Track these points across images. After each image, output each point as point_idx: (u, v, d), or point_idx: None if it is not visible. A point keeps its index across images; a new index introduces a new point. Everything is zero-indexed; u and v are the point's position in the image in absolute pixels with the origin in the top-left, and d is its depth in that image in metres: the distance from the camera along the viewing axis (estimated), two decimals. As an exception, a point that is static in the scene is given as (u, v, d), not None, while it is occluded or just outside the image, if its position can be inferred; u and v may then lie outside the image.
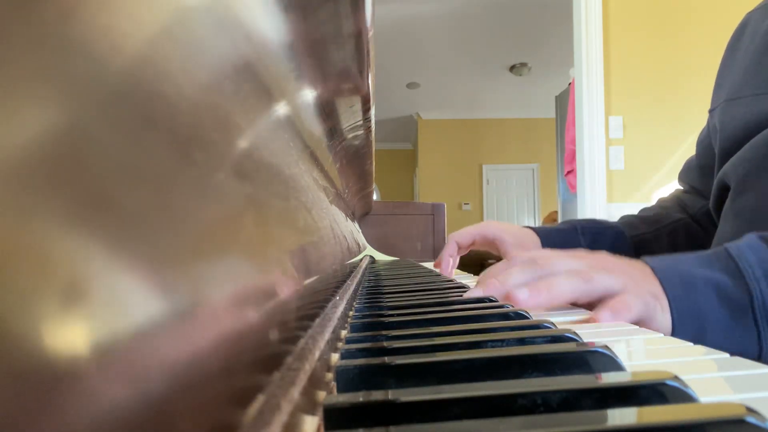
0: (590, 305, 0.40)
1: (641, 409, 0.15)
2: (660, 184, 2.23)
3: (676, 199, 0.82)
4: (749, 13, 0.68)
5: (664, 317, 0.38)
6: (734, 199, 0.58)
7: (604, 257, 0.43)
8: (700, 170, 0.77)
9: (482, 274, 0.48)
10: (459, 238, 0.79)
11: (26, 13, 0.08)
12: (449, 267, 0.78)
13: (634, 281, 0.40)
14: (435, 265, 0.80)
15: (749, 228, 0.56)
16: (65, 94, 0.08)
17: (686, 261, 0.41)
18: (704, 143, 0.75)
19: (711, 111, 0.69)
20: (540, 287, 0.39)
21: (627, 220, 0.80)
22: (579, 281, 0.39)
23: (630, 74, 2.30)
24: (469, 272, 0.89)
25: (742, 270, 0.39)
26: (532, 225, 0.81)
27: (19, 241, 0.06)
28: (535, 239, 0.76)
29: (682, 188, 0.85)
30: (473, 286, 0.45)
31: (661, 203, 0.84)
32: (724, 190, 0.62)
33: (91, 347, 0.07)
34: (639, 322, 0.36)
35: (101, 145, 0.09)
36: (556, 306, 0.40)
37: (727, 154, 0.61)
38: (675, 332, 0.38)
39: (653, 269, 0.41)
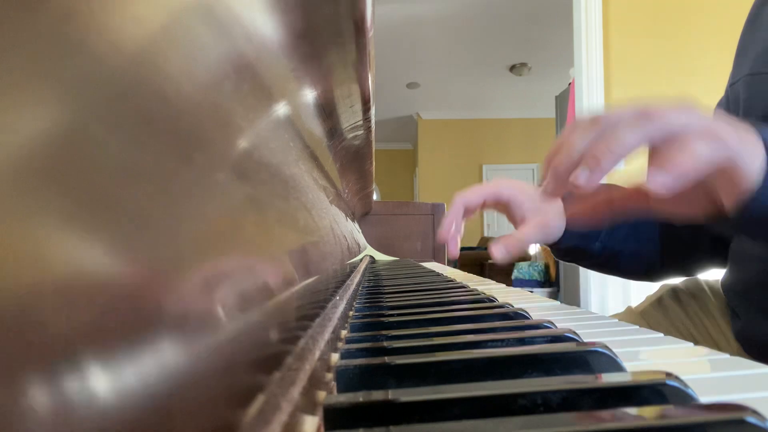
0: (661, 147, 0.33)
1: (641, 409, 0.15)
2: (660, 184, 2.22)
3: None
4: None
5: (759, 161, 0.32)
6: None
7: (692, 108, 0.34)
8: None
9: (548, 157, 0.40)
10: (467, 198, 0.65)
11: (26, 13, 0.08)
12: (452, 233, 0.66)
13: (715, 121, 0.32)
14: (438, 237, 0.67)
15: None
16: (65, 94, 0.08)
17: None
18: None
19: (732, 85, 0.63)
20: (598, 150, 0.32)
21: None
22: (645, 125, 0.31)
23: (630, 74, 2.30)
24: (469, 272, 0.88)
25: None
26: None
27: (19, 241, 0.06)
28: (557, 203, 0.65)
29: None
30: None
31: None
32: None
33: (91, 347, 0.07)
34: (722, 171, 0.31)
35: (101, 144, 0.09)
36: (624, 155, 0.32)
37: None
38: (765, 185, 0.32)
39: (758, 132, 0.34)
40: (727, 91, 0.65)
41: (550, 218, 0.63)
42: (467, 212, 0.66)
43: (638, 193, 0.35)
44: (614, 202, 0.38)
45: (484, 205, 0.66)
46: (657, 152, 0.32)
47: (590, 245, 0.60)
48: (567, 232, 0.63)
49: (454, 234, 0.68)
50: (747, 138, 0.32)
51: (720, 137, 0.30)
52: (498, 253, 0.54)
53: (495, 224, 6.01)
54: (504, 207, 0.65)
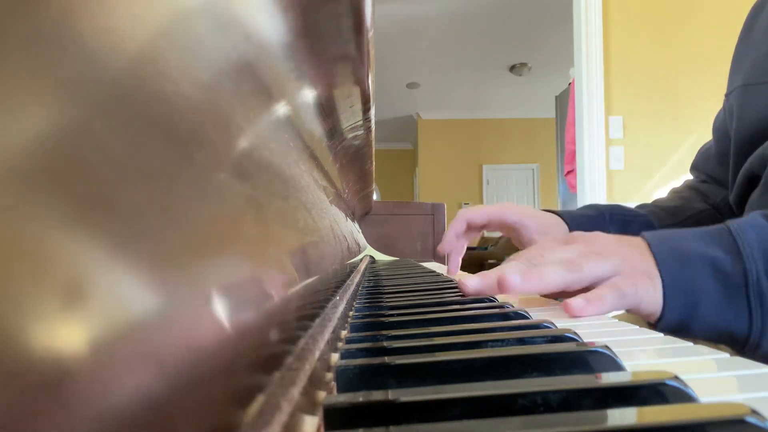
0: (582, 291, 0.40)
1: (641, 409, 0.15)
2: (660, 184, 2.23)
3: (694, 189, 0.76)
4: None
5: (656, 295, 0.39)
6: (763, 194, 0.55)
7: (599, 239, 0.43)
8: (719, 158, 0.71)
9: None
10: (471, 216, 0.65)
11: (26, 13, 0.08)
12: (452, 249, 0.67)
13: (628, 262, 0.40)
14: (438, 250, 0.68)
15: None
16: (65, 94, 0.08)
17: (685, 236, 0.41)
18: (721, 129, 0.69)
19: (728, 95, 0.64)
20: (531, 275, 0.39)
21: (650, 209, 0.71)
22: (566, 272, 0.39)
23: (630, 74, 2.30)
24: (469, 272, 0.87)
25: (740, 247, 0.39)
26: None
27: (19, 241, 0.06)
28: (561, 225, 0.66)
29: (696, 178, 0.79)
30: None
31: (678, 193, 0.77)
32: (750, 181, 0.58)
33: (91, 347, 0.07)
34: (628, 309, 0.37)
35: (101, 144, 0.09)
36: (546, 293, 0.42)
37: (746, 143, 0.58)
38: (666, 308, 0.38)
39: (649, 245, 0.40)
40: (724, 102, 0.66)
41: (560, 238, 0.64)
42: (470, 230, 0.67)
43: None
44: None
45: (488, 226, 0.67)
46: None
47: None
48: None
49: (455, 253, 0.70)
50: (643, 284, 0.39)
51: (622, 291, 0.38)
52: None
53: (495, 224, 6.00)
54: (509, 230, 0.66)
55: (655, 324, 0.40)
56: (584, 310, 0.36)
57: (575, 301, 0.36)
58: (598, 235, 0.44)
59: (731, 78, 0.65)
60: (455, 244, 0.68)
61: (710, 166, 0.75)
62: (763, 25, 0.60)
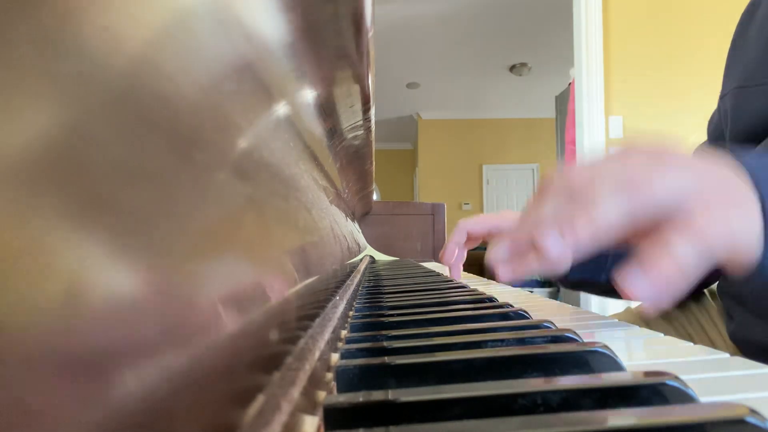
0: (655, 232, 0.26)
1: (641, 409, 0.15)
2: (660, 184, 2.22)
3: None
4: None
5: (750, 227, 0.27)
6: None
7: (665, 147, 0.29)
8: None
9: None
10: (472, 226, 0.65)
11: (26, 13, 0.08)
12: (454, 258, 0.66)
13: (707, 178, 0.27)
14: (440, 258, 0.69)
15: None
16: (65, 95, 0.08)
17: None
18: (716, 131, 0.69)
19: (722, 97, 0.64)
20: (576, 221, 0.26)
21: None
22: (630, 196, 0.25)
23: (630, 74, 2.30)
24: (469, 272, 0.88)
25: None
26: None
27: (19, 241, 0.06)
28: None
29: None
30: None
31: None
32: None
33: (90, 347, 0.07)
34: (727, 255, 0.25)
35: (101, 145, 0.09)
36: (604, 242, 0.26)
37: (740, 143, 0.57)
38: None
39: (745, 166, 0.29)
40: (718, 104, 0.66)
41: None
42: (470, 240, 0.67)
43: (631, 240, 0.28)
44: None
45: (488, 235, 0.66)
46: (640, 237, 0.27)
47: (597, 277, 0.59)
48: (574, 266, 0.62)
49: (457, 262, 0.69)
50: (735, 215, 0.26)
51: (706, 235, 0.25)
52: (504, 276, 0.55)
53: (495, 224, 5.99)
54: None
55: (750, 275, 0.28)
56: (656, 300, 0.24)
57: (636, 284, 0.24)
58: (666, 144, 0.30)
59: (725, 80, 0.65)
60: (456, 254, 0.68)
61: None
62: (757, 27, 0.61)
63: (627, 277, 0.24)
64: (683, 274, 0.24)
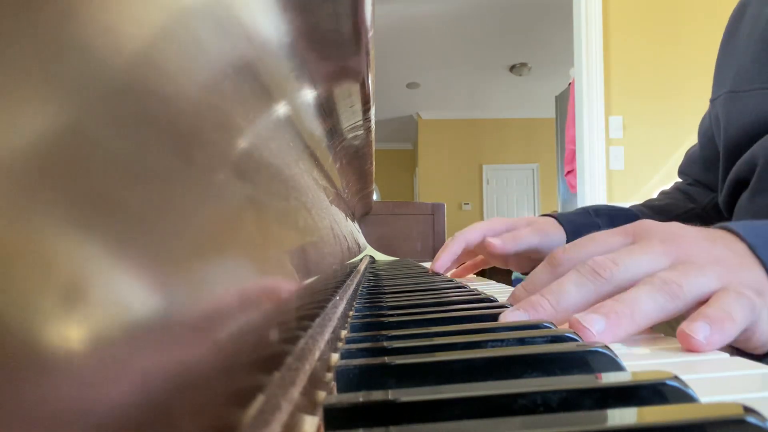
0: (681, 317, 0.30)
1: (641, 409, 0.15)
2: (660, 184, 2.23)
3: (681, 191, 0.78)
4: None
5: None
6: (752, 198, 0.55)
7: (682, 237, 0.32)
8: (704, 163, 0.73)
9: (520, 285, 0.38)
10: (467, 237, 0.68)
11: (26, 13, 0.08)
12: (445, 267, 0.68)
13: (732, 271, 0.30)
14: (432, 265, 0.70)
15: None
16: (65, 94, 0.08)
17: None
18: (707, 135, 0.71)
19: (713, 100, 0.65)
20: (620, 314, 0.28)
21: (637, 209, 0.74)
22: (667, 298, 0.28)
23: (630, 74, 2.30)
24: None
25: None
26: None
27: (18, 241, 0.06)
28: (557, 229, 0.66)
29: (684, 181, 0.81)
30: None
31: (667, 194, 0.80)
32: (738, 186, 0.59)
33: (90, 347, 0.07)
34: (743, 333, 0.27)
35: (100, 144, 0.09)
36: (641, 329, 0.29)
37: (734, 149, 0.58)
38: None
39: (751, 247, 0.31)
40: (709, 107, 0.67)
41: (550, 228, 0.66)
42: (467, 251, 0.69)
43: None
44: None
45: (482, 243, 0.68)
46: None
47: None
48: None
49: (451, 270, 0.71)
50: (759, 300, 0.28)
51: (751, 302, 0.27)
52: (496, 244, 0.57)
53: (495, 224, 5.99)
54: None
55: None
56: (713, 341, 0.26)
57: (698, 333, 0.26)
58: (677, 229, 0.33)
59: (716, 84, 0.66)
60: (450, 266, 0.70)
61: (696, 170, 0.77)
62: (746, 30, 0.61)
63: (696, 332, 0.26)
64: (736, 331, 0.27)
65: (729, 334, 0.26)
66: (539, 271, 0.37)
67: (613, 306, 0.28)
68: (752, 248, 0.31)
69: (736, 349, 0.31)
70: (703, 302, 0.28)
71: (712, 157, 0.69)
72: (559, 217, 0.67)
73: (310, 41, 0.34)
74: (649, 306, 0.28)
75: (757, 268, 0.30)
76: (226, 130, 0.18)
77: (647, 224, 0.34)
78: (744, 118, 0.57)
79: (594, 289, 0.31)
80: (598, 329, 0.27)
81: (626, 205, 0.76)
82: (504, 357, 0.20)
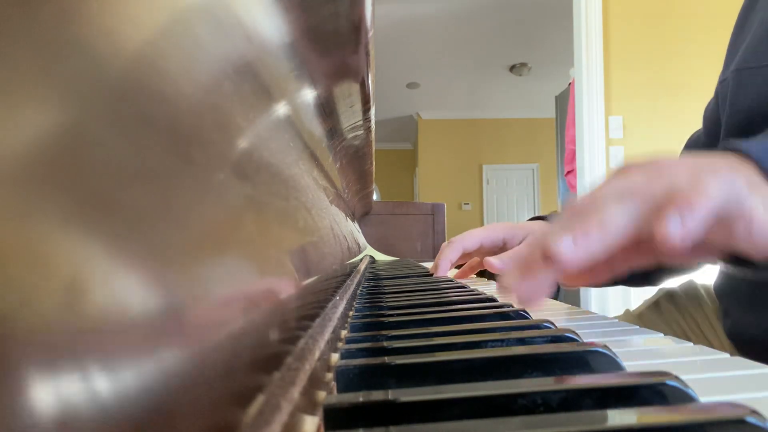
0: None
1: (641, 409, 0.15)
2: (660, 184, 2.23)
3: None
4: None
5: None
6: None
7: (669, 161, 0.29)
8: (708, 147, 0.71)
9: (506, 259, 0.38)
10: (465, 242, 0.69)
11: (27, 13, 0.08)
12: (445, 274, 0.69)
13: (711, 169, 0.26)
14: (432, 271, 0.72)
15: None
16: (65, 95, 0.08)
17: None
18: (712, 119, 0.68)
19: (722, 81, 0.62)
20: (585, 228, 0.26)
21: None
22: (635, 204, 0.26)
23: (630, 74, 2.30)
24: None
25: None
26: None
27: (19, 241, 0.06)
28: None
29: None
30: (473, 284, 0.38)
31: None
32: None
33: (91, 347, 0.07)
34: (724, 219, 0.25)
35: (101, 145, 0.09)
36: (615, 246, 0.26)
37: (738, 126, 0.56)
38: None
39: (745, 151, 0.28)
40: (716, 91, 0.65)
41: None
42: (464, 255, 0.71)
43: (641, 246, 0.28)
44: (615, 262, 0.31)
45: (480, 248, 0.70)
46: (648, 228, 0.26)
47: None
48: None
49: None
50: (754, 181, 0.26)
51: (726, 175, 0.25)
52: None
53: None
54: (502, 246, 0.69)
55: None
56: (688, 227, 0.23)
57: (674, 209, 0.24)
58: (667, 158, 0.30)
59: (726, 65, 0.64)
60: (447, 272, 0.71)
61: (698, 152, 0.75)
62: (759, 14, 0.60)
63: (665, 226, 0.24)
64: (713, 204, 0.24)
65: (702, 208, 0.24)
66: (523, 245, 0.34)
67: (578, 224, 0.26)
68: (743, 152, 0.29)
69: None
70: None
71: (716, 140, 0.66)
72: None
73: (310, 41, 0.34)
74: (616, 215, 0.26)
75: (749, 166, 0.28)
76: (227, 130, 0.18)
77: (635, 163, 0.30)
78: (750, 95, 0.54)
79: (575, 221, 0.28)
80: (565, 248, 0.25)
81: None
82: (504, 357, 0.20)
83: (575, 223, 0.26)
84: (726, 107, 0.59)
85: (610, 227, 0.26)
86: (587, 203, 0.27)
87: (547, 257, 0.26)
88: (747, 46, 0.58)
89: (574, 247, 0.25)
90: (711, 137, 0.70)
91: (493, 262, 0.60)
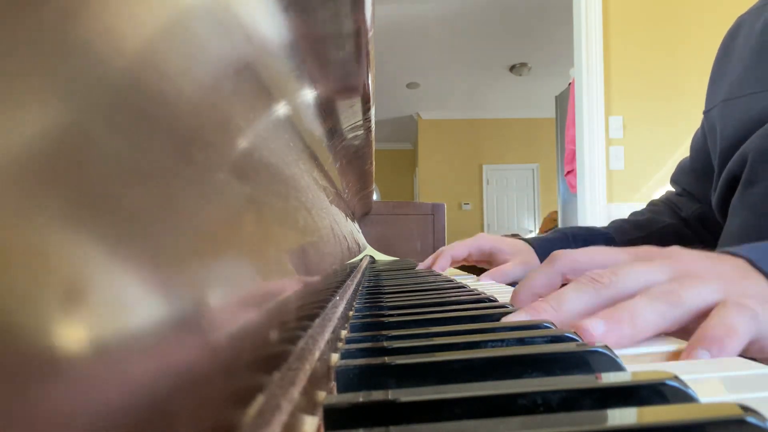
0: (683, 329, 0.30)
1: (641, 409, 0.15)
2: (660, 184, 2.23)
3: (668, 202, 0.82)
4: (741, 16, 0.69)
5: None
6: (743, 192, 0.58)
7: (683, 256, 0.33)
8: (694, 174, 0.78)
9: (519, 286, 0.39)
10: (454, 251, 0.76)
11: (26, 13, 0.08)
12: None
13: (733, 283, 0.30)
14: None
15: (756, 220, 0.55)
16: (65, 95, 0.08)
17: None
18: (698, 146, 0.75)
19: (706, 112, 0.69)
20: (619, 319, 0.28)
21: (617, 225, 0.80)
22: (667, 306, 0.29)
23: (630, 74, 2.30)
24: (469, 272, 0.88)
25: None
26: (532, 226, 0.81)
27: (19, 241, 0.06)
28: (530, 250, 0.74)
29: (674, 190, 0.85)
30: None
31: (652, 207, 0.84)
32: (731, 184, 0.62)
33: (90, 347, 0.07)
34: (752, 343, 0.27)
35: (101, 145, 0.09)
36: (642, 337, 0.29)
37: (729, 151, 0.61)
38: None
39: (751, 261, 0.32)
40: (702, 120, 0.70)
41: (531, 258, 0.72)
42: (453, 264, 0.77)
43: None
44: None
45: (469, 257, 0.76)
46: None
47: None
48: None
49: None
50: (764, 310, 0.28)
51: (753, 311, 0.27)
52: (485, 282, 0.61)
53: (495, 224, 6.01)
54: (487, 256, 0.75)
55: None
56: (722, 352, 0.26)
57: (702, 354, 0.26)
58: (678, 251, 0.34)
59: (710, 98, 0.70)
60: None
61: (686, 180, 0.82)
62: (738, 47, 0.65)
63: (698, 355, 0.26)
64: (742, 343, 0.26)
65: (732, 349, 0.26)
66: (537, 276, 0.38)
67: (612, 311, 0.29)
68: (753, 262, 0.32)
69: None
70: (704, 314, 0.28)
71: (701, 169, 0.74)
72: (536, 247, 0.74)
73: (310, 41, 0.34)
74: (648, 313, 0.28)
75: (760, 279, 0.31)
76: (226, 130, 0.18)
77: (648, 247, 0.35)
78: (735, 123, 0.60)
79: (595, 294, 0.31)
80: (598, 332, 0.28)
81: (626, 206, 0.79)
82: (504, 357, 0.20)
83: (611, 312, 0.29)
84: (716, 136, 0.65)
85: (641, 324, 0.28)
86: (612, 280, 0.31)
87: (580, 330, 0.28)
88: (732, 80, 0.64)
89: (606, 333, 0.28)
90: (696, 164, 0.76)
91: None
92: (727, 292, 0.29)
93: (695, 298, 0.29)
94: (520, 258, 0.72)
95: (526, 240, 0.77)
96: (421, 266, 0.78)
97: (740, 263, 0.32)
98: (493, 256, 0.75)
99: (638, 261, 0.33)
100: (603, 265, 0.34)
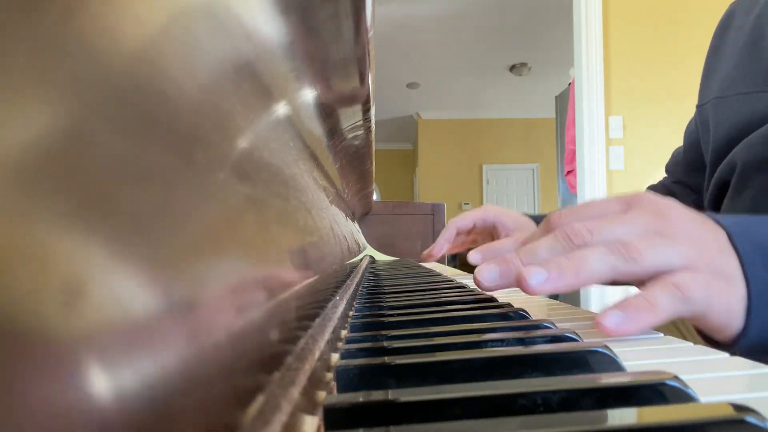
0: (641, 284, 0.30)
1: (641, 409, 0.15)
2: (660, 184, 2.23)
3: (666, 189, 0.81)
4: (734, 3, 0.68)
5: (732, 305, 0.29)
6: (732, 198, 0.58)
7: (672, 211, 0.32)
8: (687, 166, 0.77)
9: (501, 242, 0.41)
10: (459, 222, 0.78)
11: (26, 13, 0.08)
12: (442, 251, 0.78)
13: (702, 252, 0.30)
14: (429, 255, 0.80)
15: None
16: (65, 94, 0.08)
17: None
18: (692, 138, 0.74)
19: (700, 106, 0.68)
20: (562, 268, 0.29)
21: None
22: (621, 261, 0.29)
23: (630, 74, 2.30)
24: (469, 272, 0.88)
25: None
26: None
27: (19, 241, 0.06)
28: (534, 227, 0.73)
29: (669, 178, 0.84)
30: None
31: (652, 190, 0.85)
32: (721, 189, 0.62)
33: (90, 347, 0.07)
34: (695, 320, 0.28)
35: (101, 145, 0.09)
36: (586, 285, 0.30)
37: (719, 153, 0.61)
38: (750, 323, 0.29)
39: (730, 236, 0.31)
40: (696, 113, 0.70)
41: None
42: (459, 235, 0.79)
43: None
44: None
45: (474, 228, 0.78)
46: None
47: None
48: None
49: (445, 250, 0.80)
50: (717, 288, 0.29)
51: (687, 295, 0.28)
52: (473, 258, 0.61)
53: (495, 224, 5.99)
54: (491, 228, 0.77)
55: (731, 342, 0.31)
56: (626, 326, 0.27)
57: (611, 317, 0.27)
58: (672, 205, 0.33)
59: (702, 91, 0.70)
60: (444, 249, 0.79)
61: (679, 171, 0.83)
62: (731, 38, 0.64)
63: (606, 319, 0.28)
64: (658, 320, 0.28)
65: (645, 323, 0.27)
66: (533, 234, 0.37)
67: (558, 261, 0.29)
68: (730, 236, 0.31)
69: (709, 339, 0.32)
70: (663, 274, 0.29)
71: (693, 161, 0.73)
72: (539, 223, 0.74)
73: (310, 41, 0.34)
74: (597, 263, 0.29)
75: (731, 257, 0.31)
76: (226, 130, 0.18)
77: (646, 196, 0.34)
78: (727, 123, 0.60)
79: (563, 253, 0.31)
80: (537, 280, 0.29)
81: None
82: (504, 357, 0.20)
83: (556, 255, 0.30)
84: (709, 131, 0.65)
85: (586, 275, 0.29)
86: (582, 233, 0.31)
87: (518, 280, 0.29)
88: (724, 77, 0.63)
89: (544, 283, 0.29)
90: (689, 156, 0.78)
91: (473, 258, 0.61)
92: (692, 259, 0.29)
93: (656, 257, 0.29)
94: (519, 234, 0.69)
95: (531, 216, 0.76)
96: (432, 247, 0.80)
97: (720, 234, 0.32)
98: (495, 229, 0.75)
99: (624, 215, 0.32)
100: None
